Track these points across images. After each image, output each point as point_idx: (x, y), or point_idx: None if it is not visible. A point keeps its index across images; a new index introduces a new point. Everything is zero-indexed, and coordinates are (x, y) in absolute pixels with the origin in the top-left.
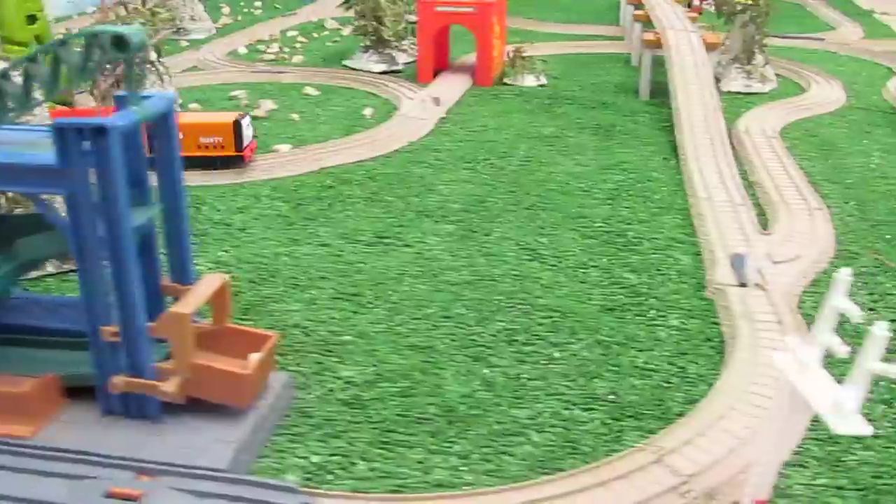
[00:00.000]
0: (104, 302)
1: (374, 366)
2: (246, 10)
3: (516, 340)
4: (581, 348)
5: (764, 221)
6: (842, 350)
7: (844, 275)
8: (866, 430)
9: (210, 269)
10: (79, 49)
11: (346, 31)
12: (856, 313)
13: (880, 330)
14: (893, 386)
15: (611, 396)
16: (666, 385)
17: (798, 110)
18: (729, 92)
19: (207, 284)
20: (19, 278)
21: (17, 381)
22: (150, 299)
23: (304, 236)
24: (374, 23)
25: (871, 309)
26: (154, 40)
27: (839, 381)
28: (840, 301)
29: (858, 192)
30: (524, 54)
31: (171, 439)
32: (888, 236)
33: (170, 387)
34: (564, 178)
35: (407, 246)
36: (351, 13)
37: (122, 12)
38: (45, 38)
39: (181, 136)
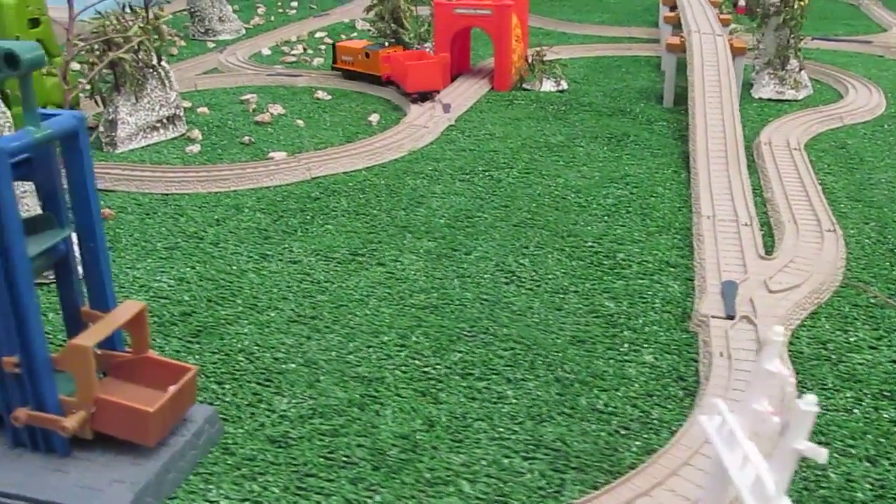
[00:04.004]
0: (3, 331)
1: (313, 399)
2: (281, 9)
3: (471, 374)
4: (537, 386)
5: (771, 243)
6: (773, 421)
7: (776, 335)
8: None
9: (170, 286)
10: None
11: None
12: (789, 381)
13: (807, 405)
14: (882, 440)
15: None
16: (623, 432)
17: (830, 119)
18: (760, 99)
19: (121, 313)
20: None
21: None
22: (71, 326)
23: (276, 252)
24: (394, 25)
25: (872, 347)
26: (135, 42)
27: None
28: (772, 364)
29: (882, 212)
30: (545, 58)
31: (71, 477)
32: None
33: (71, 422)
34: (562, 192)
35: (380, 264)
36: (371, 13)
37: (126, 13)
38: (48, 43)
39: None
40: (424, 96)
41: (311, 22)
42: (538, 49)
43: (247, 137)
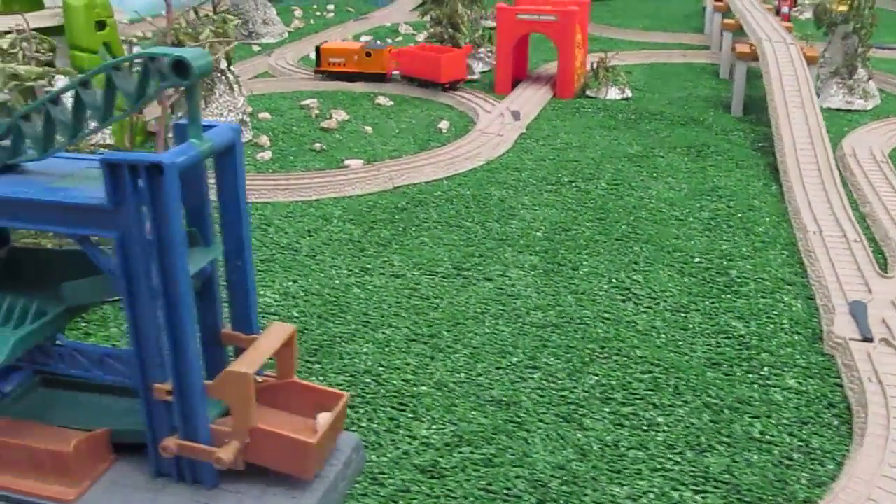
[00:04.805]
0: (157, 356)
1: (454, 424)
2: (318, 13)
3: (612, 399)
4: (688, 413)
5: (881, 261)
6: None
7: None
8: None
9: (277, 301)
10: (135, 73)
11: (421, 36)
12: None
13: None
14: None
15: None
16: (787, 462)
17: None
18: (829, 109)
19: (273, 336)
20: (65, 324)
21: (62, 438)
22: (210, 350)
23: (376, 265)
24: (451, 29)
25: None
26: (226, 49)
27: None
28: None
29: None
30: (608, 65)
31: None
32: None
33: (226, 454)
34: (656, 205)
35: (488, 279)
36: (426, 18)
37: (192, 16)
38: (113, 46)
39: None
40: (454, 85)
41: (352, 25)
42: (601, 55)
43: (318, 144)
